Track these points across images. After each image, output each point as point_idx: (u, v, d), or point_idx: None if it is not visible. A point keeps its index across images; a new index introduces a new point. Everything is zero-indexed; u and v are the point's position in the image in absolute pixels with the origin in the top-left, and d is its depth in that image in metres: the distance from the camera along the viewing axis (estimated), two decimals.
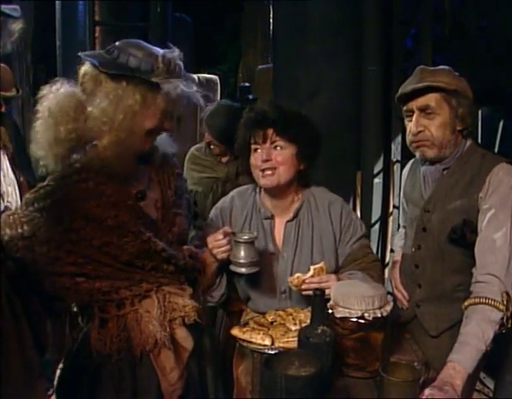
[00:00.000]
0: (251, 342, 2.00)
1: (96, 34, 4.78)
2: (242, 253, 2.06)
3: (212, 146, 3.43)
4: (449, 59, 3.97)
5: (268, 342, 1.98)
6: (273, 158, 2.17)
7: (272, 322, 2.12)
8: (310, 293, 1.99)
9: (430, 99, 2.05)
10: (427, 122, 2.07)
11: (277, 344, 1.97)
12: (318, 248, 2.24)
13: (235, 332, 2.06)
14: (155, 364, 1.77)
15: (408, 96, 2.10)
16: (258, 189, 2.34)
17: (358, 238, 2.29)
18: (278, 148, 2.18)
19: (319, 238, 2.25)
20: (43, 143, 1.70)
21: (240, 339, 2.04)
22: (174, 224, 1.89)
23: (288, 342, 1.97)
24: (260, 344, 1.98)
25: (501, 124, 4.24)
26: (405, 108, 2.14)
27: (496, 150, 4.16)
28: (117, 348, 1.74)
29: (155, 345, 1.76)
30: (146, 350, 1.76)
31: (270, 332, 2.03)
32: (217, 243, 2.07)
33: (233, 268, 2.08)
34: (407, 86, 2.10)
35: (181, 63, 1.78)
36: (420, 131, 2.08)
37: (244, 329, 2.05)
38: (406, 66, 3.95)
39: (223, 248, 2.06)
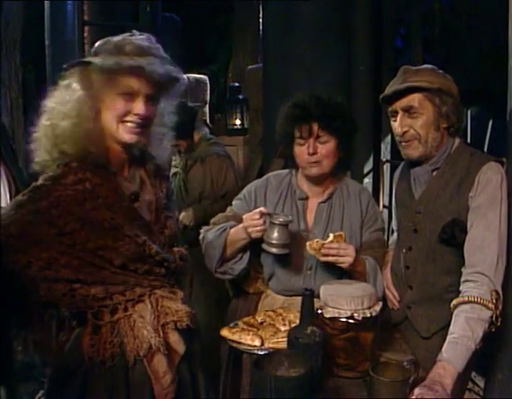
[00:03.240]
0: (241, 343, 2.00)
1: (85, 34, 4.74)
2: (275, 234, 2.11)
3: (177, 147, 3.68)
4: (438, 58, 3.99)
5: (257, 342, 1.97)
6: (319, 151, 2.25)
7: (261, 323, 2.12)
8: (329, 259, 2.14)
9: (413, 99, 2.05)
10: (411, 122, 2.07)
11: (266, 345, 1.97)
12: (347, 229, 2.31)
13: (225, 332, 2.06)
14: (148, 368, 1.74)
15: (391, 97, 2.10)
16: (294, 172, 2.43)
17: (377, 228, 2.39)
18: (323, 141, 2.25)
19: (349, 221, 2.34)
20: (64, 138, 1.67)
21: (230, 340, 2.03)
22: (166, 227, 1.87)
23: (277, 342, 1.96)
24: (250, 345, 1.97)
25: (490, 123, 4.26)
26: (389, 109, 2.14)
27: (486, 149, 4.18)
28: (111, 354, 1.70)
29: (148, 350, 1.73)
30: (140, 355, 1.72)
31: (260, 333, 2.02)
32: (253, 222, 2.14)
33: (265, 246, 2.14)
34: (390, 88, 2.11)
35: (151, 45, 1.74)
36: (405, 132, 2.08)
37: (234, 330, 2.05)
38: (396, 65, 3.95)
39: (258, 228, 2.13)
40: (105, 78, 1.68)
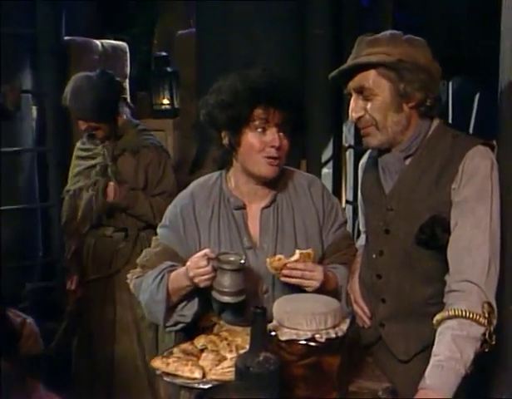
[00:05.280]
0: (177, 376, 1.98)
1: None
2: (227, 280, 2.12)
3: (94, 132, 3.68)
4: (413, 19, 4.02)
5: (198, 374, 1.96)
6: (282, 144, 2.25)
7: (202, 350, 2.12)
8: (292, 281, 2.17)
9: (365, 77, 2.08)
10: (366, 104, 2.10)
11: (209, 376, 1.96)
12: (302, 234, 2.33)
13: (157, 363, 2.04)
14: None
15: (345, 77, 2.13)
16: (223, 174, 2.41)
17: (340, 224, 2.42)
18: (285, 132, 2.26)
19: (302, 223, 2.35)
20: None
21: (164, 373, 2.01)
22: None
23: (223, 373, 1.96)
24: (189, 378, 1.96)
25: (477, 97, 4.29)
26: (345, 91, 2.17)
27: (471, 129, 4.22)
28: None
29: None
30: None
31: (200, 363, 2.02)
32: (200, 270, 2.12)
33: (216, 295, 2.15)
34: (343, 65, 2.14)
35: None
36: (360, 117, 2.11)
37: (168, 360, 2.03)
38: (361, 28, 3.95)
39: (207, 276, 2.12)
40: None
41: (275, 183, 2.37)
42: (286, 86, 2.25)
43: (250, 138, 2.25)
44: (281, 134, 2.24)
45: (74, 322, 3.96)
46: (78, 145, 3.92)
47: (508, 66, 2.00)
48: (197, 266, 2.12)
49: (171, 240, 2.35)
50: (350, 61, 2.10)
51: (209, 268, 2.11)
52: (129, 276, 2.43)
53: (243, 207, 2.36)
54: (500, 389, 2.05)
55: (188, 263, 2.17)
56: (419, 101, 2.08)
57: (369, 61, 2.05)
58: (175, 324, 2.30)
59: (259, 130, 2.23)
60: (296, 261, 2.17)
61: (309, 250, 2.22)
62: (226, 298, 2.14)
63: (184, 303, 2.26)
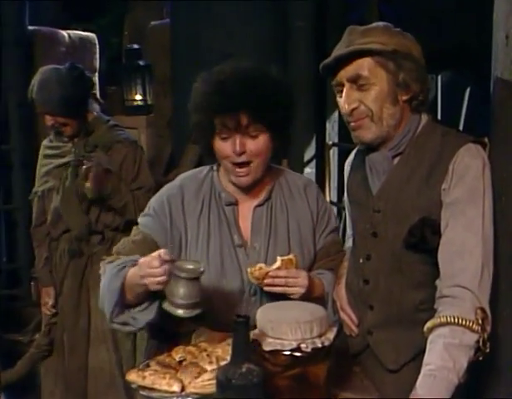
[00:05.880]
0: (154, 390, 1.96)
1: None
2: (181, 290, 2.02)
3: (62, 128, 3.65)
4: (400, 12, 4.03)
5: (176, 388, 1.94)
6: (248, 149, 2.23)
7: (180, 362, 2.10)
8: (275, 290, 2.19)
9: (361, 66, 2.07)
10: (361, 95, 2.09)
11: (189, 390, 1.94)
12: (296, 235, 2.35)
13: (132, 377, 2.02)
14: None
15: (334, 66, 2.12)
16: (215, 168, 2.41)
17: (332, 230, 2.45)
18: (253, 135, 2.23)
19: (296, 224, 2.37)
20: None
21: (140, 386, 1.99)
22: None
23: (203, 386, 1.94)
24: (167, 391, 1.94)
25: (467, 92, 4.30)
26: (333, 82, 2.16)
27: (461, 125, 4.23)
28: None
29: None
30: None
31: (179, 375, 2.00)
32: (151, 270, 2.01)
33: (167, 306, 2.06)
34: (333, 54, 2.12)
35: None
36: (354, 109, 2.10)
37: (145, 373, 2.01)
38: (345, 21, 3.97)
39: (157, 279, 2.00)
40: None
41: (269, 182, 2.39)
42: (253, 85, 2.21)
43: (217, 144, 2.27)
44: (248, 138, 2.22)
45: (46, 345, 3.91)
46: (45, 143, 3.88)
47: (501, 59, 1.99)
48: (149, 265, 2.01)
49: (154, 229, 2.31)
50: (345, 49, 2.07)
51: (160, 270, 1.98)
52: (101, 263, 2.34)
53: (235, 203, 2.37)
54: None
55: (140, 261, 2.07)
56: (414, 93, 2.10)
57: (370, 48, 2.04)
58: (123, 324, 2.20)
59: (223, 135, 2.23)
60: (278, 268, 2.18)
61: (291, 256, 2.23)
62: (179, 311, 2.04)
63: (141, 307, 2.16)
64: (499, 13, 2.00)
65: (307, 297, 2.20)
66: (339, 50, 2.10)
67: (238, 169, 2.25)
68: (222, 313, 2.25)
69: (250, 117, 2.20)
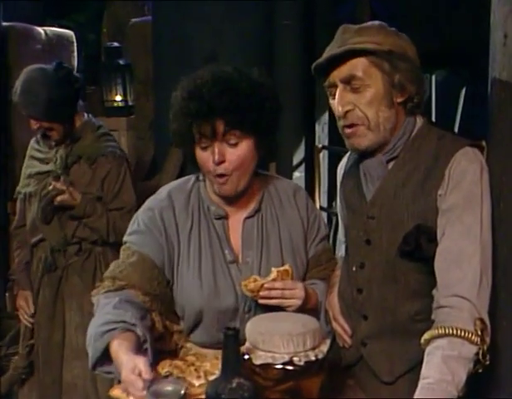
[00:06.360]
0: None
1: None
2: None
3: (49, 133, 3.58)
4: (392, 9, 4.03)
5: None
6: (228, 158, 2.21)
7: (166, 377, 2.09)
8: (271, 302, 2.18)
9: (355, 66, 2.07)
10: (355, 97, 2.08)
11: None
12: (288, 246, 2.35)
13: (116, 392, 2.01)
14: None
15: (327, 66, 2.12)
16: (201, 178, 2.38)
17: (322, 237, 2.46)
18: (233, 143, 2.21)
19: (288, 234, 2.37)
20: None
21: None
22: None
23: None
24: None
25: (463, 91, 4.28)
26: (326, 83, 2.16)
27: (457, 127, 4.22)
28: None
29: None
30: None
31: None
32: (134, 391, 1.89)
33: None
34: (325, 54, 2.12)
35: None
36: (347, 111, 2.09)
37: None
38: (334, 19, 3.97)
39: (138, 394, 1.90)
40: None
41: (258, 191, 2.38)
42: (229, 89, 2.17)
43: (197, 154, 2.25)
44: (227, 146, 2.20)
45: (25, 368, 3.87)
46: (32, 143, 3.82)
47: (499, 59, 1.99)
48: (132, 385, 1.90)
49: (149, 248, 2.27)
50: (338, 49, 2.06)
51: (140, 385, 1.87)
52: (94, 292, 2.29)
53: (225, 216, 2.35)
54: None
55: (123, 374, 1.92)
56: (410, 95, 2.10)
57: (365, 48, 2.04)
58: (107, 373, 2.12)
59: (203, 145, 2.22)
60: (273, 280, 2.18)
61: (286, 266, 2.23)
62: None
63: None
64: (497, 13, 2.00)
65: (302, 308, 2.21)
66: (332, 50, 2.09)
67: (218, 178, 2.23)
68: (215, 332, 2.27)
69: (227, 123, 2.17)
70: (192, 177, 2.42)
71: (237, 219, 2.36)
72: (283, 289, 2.18)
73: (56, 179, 3.55)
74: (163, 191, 2.40)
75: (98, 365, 2.10)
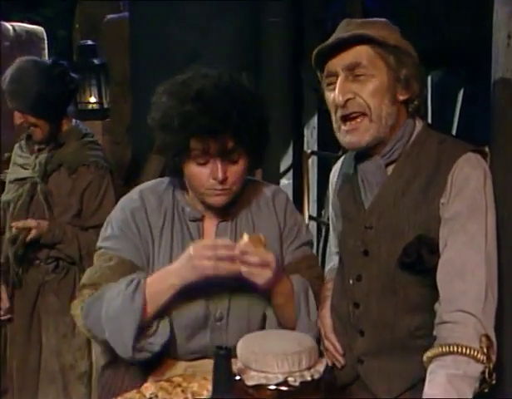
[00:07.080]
0: None
1: None
2: None
3: (32, 130, 3.58)
4: (387, 7, 4.04)
5: None
6: (228, 175, 2.24)
7: None
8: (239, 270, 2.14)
9: (361, 54, 2.07)
10: (357, 87, 2.08)
11: None
12: None
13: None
14: None
15: (330, 54, 2.12)
16: (177, 181, 2.40)
17: (302, 243, 2.46)
18: (234, 159, 2.25)
19: None
20: None
21: None
22: None
23: None
24: None
25: (461, 92, 4.31)
26: (325, 72, 2.16)
27: (455, 129, 4.21)
28: None
29: None
30: None
31: None
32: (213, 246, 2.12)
33: None
34: (329, 41, 2.11)
35: None
36: (348, 99, 2.08)
37: None
38: (323, 16, 3.97)
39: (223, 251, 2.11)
40: None
41: (237, 196, 2.38)
42: (237, 104, 2.18)
43: (191, 169, 2.26)
44: (229, 163, 2.23)
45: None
46: (15, 149, 3.81)
47: (502, 60, 2.02)
48: (213, 248, 2.12)
49: (127, 251, 2.30)
50: (346, 33, 2.07)
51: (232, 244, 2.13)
52: (75, 302, 2.32)
53: (201, 219, 2.37)
54: None
55: (194, 246, 2.14)
56: (413, 94, 2.12)
57: (373, 37, 2.05)
58: (140, 351, 2.18)
59: (200, 160, 2.22)
60: (245, 245, 2.14)
61: (260, 235, 2.20)
62: None
63: (152, 329, 2.19)
64: (499, 13, 2.02)
65: (274, 289, 2.23)
66: (338, 36, 2.10)
67: (214, 191, 2.25)
68: (184, 341, 2.29)
69: (236, 141, 2.20)
70: (164, 180, 2.44)
71: (212, 223, 2.39)
72: (254, 255, 2.13)
73: (15, 220, 3.55)
74: (134, 192, 2.42)
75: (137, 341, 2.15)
